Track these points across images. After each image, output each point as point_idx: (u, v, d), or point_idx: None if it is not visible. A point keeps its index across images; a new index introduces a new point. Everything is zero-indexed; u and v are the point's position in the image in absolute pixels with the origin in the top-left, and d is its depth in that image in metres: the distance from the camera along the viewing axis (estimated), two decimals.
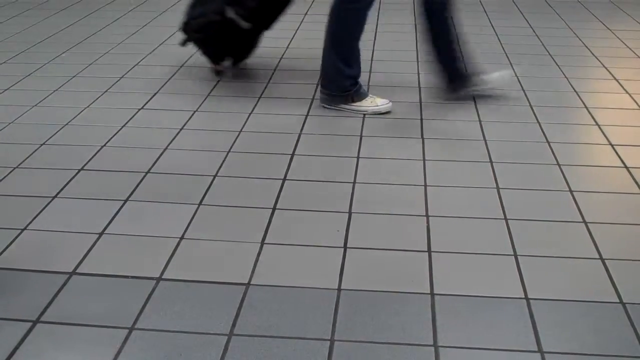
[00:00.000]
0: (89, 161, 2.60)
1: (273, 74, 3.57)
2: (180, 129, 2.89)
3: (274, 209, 2.27)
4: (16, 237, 2.11)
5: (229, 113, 3.07)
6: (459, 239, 2.11)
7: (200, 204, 2.30)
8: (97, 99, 3.23)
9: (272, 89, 3.36)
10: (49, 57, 3.83)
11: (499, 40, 4.16)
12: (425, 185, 2.42)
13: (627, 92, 3.34)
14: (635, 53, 3.95)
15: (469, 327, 1.73)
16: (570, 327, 1.73)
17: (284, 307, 1.79)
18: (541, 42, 4.14)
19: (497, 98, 3.18)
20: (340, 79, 3.03)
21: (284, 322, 1.74)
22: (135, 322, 1.74)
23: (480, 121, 2.97)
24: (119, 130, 2.87)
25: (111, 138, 2.80)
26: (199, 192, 2.38)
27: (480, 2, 5.10)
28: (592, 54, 3.93)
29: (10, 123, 2.96)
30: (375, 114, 3.01)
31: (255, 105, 3.15)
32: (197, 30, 3.34)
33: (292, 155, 2.66)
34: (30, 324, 1.73)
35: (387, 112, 3.03)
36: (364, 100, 3.04)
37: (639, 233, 2.16)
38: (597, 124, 2.96)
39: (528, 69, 3.64)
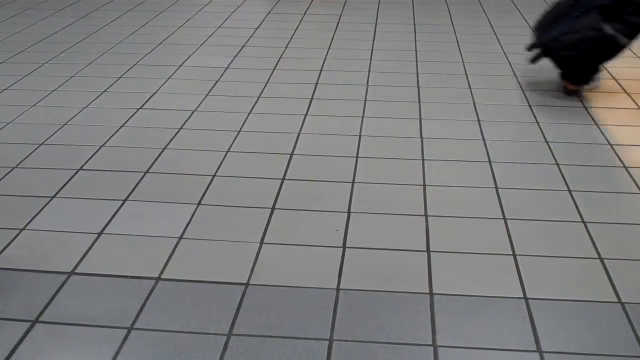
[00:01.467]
0: (87, 161, 2.60)
1: (272, 73, 3.57)
2: (179, 129, 2.89)
3: (273, 208, 2.27)
4: (15, 237, 2.11)
5: (228, 112, 3.07)
6: (458, 238, 2.11)
7: (199, 203, 2.30)
8: (95, 98, 3.23)
9: (271, 89, 3.36)
10: (47, 56, 3.83)
11: (498, 41, 4.16)
12: (424, 185, 2.42)
13: (626, 92, 3.34)
14: (634, 53, 3.95)
15: (467, 326, 1.73)
16: (569, 326, 1.73)
17: (283, 306, 1.80)
18: None
19: None
20: None
21: (283, 322, 1.74)
22: (134, 322, 1.74)
23: (479, 121, 2.97)
24: (118, 130, 2.87)
25: (110, 138, 2.80)
26: (198, 191, 2.38)
27: (480, 2, 5.10)
28: None
29: (9, 123, 2.96)
30: None
31: (254, 105, 3.15)
32: (568, 47, 3.14)
33: (291, 154, 2.66)
34: (29, 323, 1.73)
35: None
36: None
37: (638, 232, 2.16)
38: (596, 123, 2.96)
39: (527, 69, 3.64)
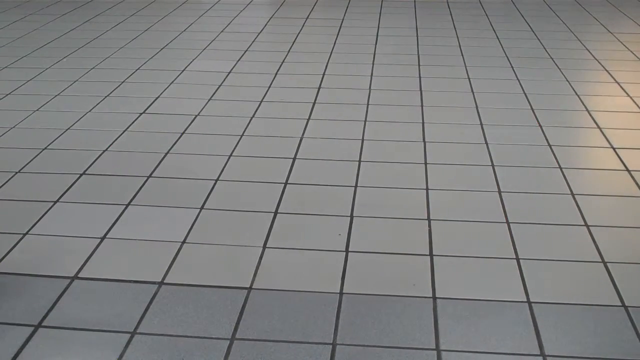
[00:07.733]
0: (90, 165, 2.60)
1: (274, 78, 3.58)
2: (182, 133, 2.89)
3: (275, 212, 2.27)
4: (18, 242, 2.11)
5: (230, 117, 3.07)
6: (461, 242, 2.11)
7: (202, 208, 2.30)
8: (98, 103, 3.23)
9: (273, 93, 3.36)
10: (50, 61, 3.84)
11: (501, 44, 4.16)
12: (427, 189, 2.42)
13: (628, 95, 3.34)
14: (636, 56, 3.95)
15: (471, 330, 1.73)
16: (572, 330, 1.73)
17: (286, 311, 1.79)
18: (543, 45, 4.15)
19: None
20: None
21: (286, 326, 1.74)
22: (137, 327, 1.73)
23: (481, 124, 2.97)
24: (121, 135, 2.88)
25: (113, 142, 2.80)
26: (200, 196, 2.38)
27: (482, 6, 5.11)
28: (594, 57, 3.93)
29: (12, 128, 2.96)
30: None
31: (257, 109, 3.15)
32: None
33: (294, 159, 2.66)
34: (32, 328, 1.73)
35: None
36: None
37: None
38: (598, 127, 2.96)
39: (530, 72, 3.64)
